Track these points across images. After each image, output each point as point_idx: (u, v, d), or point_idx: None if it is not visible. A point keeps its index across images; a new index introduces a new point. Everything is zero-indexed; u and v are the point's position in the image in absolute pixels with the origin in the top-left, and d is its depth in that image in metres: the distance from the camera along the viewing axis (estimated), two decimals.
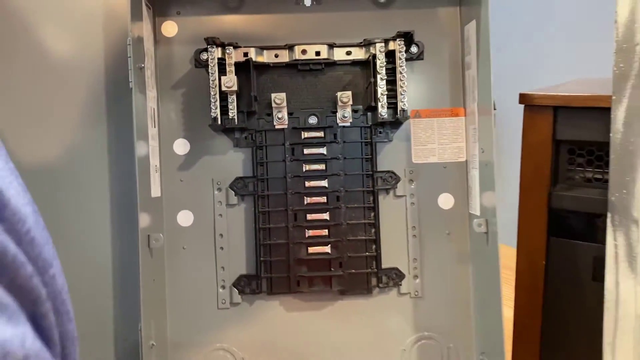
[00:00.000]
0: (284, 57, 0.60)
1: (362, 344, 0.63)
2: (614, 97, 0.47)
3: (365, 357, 0.63)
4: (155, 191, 0.57)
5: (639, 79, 0.45)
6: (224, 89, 0.56)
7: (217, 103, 0.56)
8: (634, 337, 0.44)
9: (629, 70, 0.46)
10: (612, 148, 0.47)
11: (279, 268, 0.60)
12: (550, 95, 0.57)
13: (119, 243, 0.59)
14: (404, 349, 0.63)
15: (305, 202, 0.60)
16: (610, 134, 0.47)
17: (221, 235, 0.61)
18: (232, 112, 0.57)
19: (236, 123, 0.57)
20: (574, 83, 0.67)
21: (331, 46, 0.60)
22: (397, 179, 0.62)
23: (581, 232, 0.50)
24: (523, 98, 0.59)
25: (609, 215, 0.47)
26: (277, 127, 0.59)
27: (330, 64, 0.60)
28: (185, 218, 0.60)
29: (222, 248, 0.61)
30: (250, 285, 0.61)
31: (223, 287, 0.61)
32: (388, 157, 0.62)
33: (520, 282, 0.60)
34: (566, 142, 0.57)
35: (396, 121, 0.60)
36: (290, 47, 0.59)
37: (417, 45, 0.61)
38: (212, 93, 0.56)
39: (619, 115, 0.47)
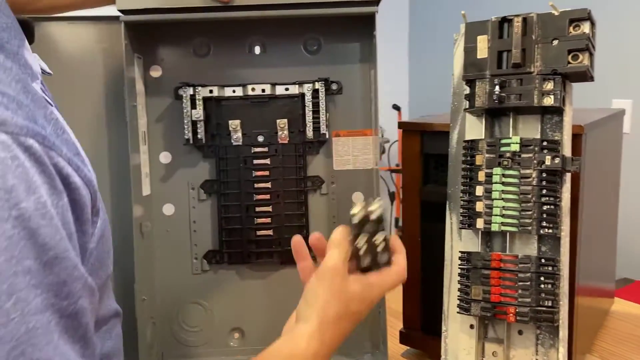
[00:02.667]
0: (239, 92, 0.84)
1: (297, 300, 0.89)
2: (451, 125, 0.73)
3: None
4: (146, 190, 0.82)
5: (464, 113, 0.70)
6: (194, 119, 0.80)
7: (190, 128, 0.81)
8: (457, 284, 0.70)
9: (459, 107, 0.72)
10: (449, 158, 0.73)
11: (235, 245, 0.86)
12: (417, 123, 0.82)
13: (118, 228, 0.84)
14: None
15: (254, 198, 0.85)
16: (449, 149, 0.73)
17: (194, 221, 0.86)
18: (200, 134, 0.81)
19: (204, 142, 0.82)
20: (436, 116, 0.92)
21: (273, 85, 0.84)
22: (322, 181, 0.87)
23: (441, 217, 0.75)
24: (400, 125, 0.84)
25: (447, 202, 0.72)
26: (234, 144, 0.84)
27: (273, 97, 0.84)
28: (168, 209, 0.86)
29: (195, 231, 0.87)
30: (215, 257, 0.87)
31: (196, 258, 0.87)
32: (316, 165, 0.87)
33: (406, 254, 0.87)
34: (431, 155, 0.83)
35: (320, 140, 0.85)
36: (244, 86, 0.83)
37: (336, 83, 0.85)
38: (185, 121, 0.81)
39: (453, 137, 0.72)
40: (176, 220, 0.86)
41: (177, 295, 0.88)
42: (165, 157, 0.85)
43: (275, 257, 0.87)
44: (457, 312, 0.69)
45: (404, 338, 0.89)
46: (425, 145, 0.83)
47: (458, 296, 0.68)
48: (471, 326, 0.70)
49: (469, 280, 0.67)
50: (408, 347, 0.90)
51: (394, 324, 0.95)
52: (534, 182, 0.63)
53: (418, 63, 3.18)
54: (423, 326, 0.88)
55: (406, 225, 0.87)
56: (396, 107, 2.97)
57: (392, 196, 2.95)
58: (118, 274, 0.80)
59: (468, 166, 0.68)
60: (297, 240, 0.57)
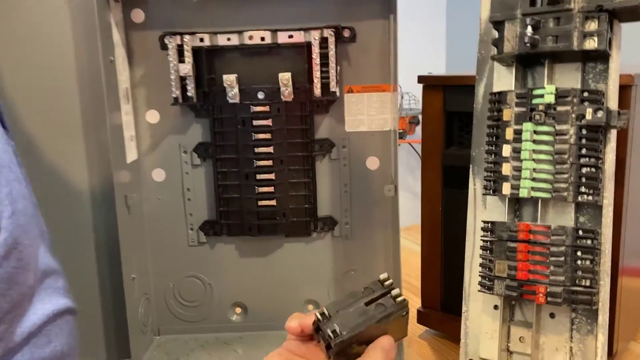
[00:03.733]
0: (235, 40, 0.76)
1: (303, 276, 0.84)
2: (477, 77, 0.64)
3: (305, 285, 0.84)
4: (132, 156, 0.77)
5: (492, 63, 0.62)
6: (181, 74, 0.73)
7: (178, 85, 0.74)
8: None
9: (486, 56, 0.63)
10: (475, 115, 0.64)
11: (234, 216, 0.80)
12: (439, 77, 0.74)
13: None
14: (336, 277, 0.83)
15: (255, 165, 0.79)
16: (474, 105, 0.64)
17: (188, 189, 0.81)
18: (191, 92, 0.75)
19: (195, 100, 0.76)
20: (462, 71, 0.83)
21: (275, 31, 0.76)
22: (332, 145, 0.80)
23: (466, 183, 0.68)
24: (420, 79, 0.76)
25: (471, 166, 0.64)
26: (230, 102, 0.77)
27: (275, 47, 0.77)
28: (158, 175, 0.80)
29: (189, 199, 0.81)
30: (213, 228, 0.81)
31: (191, 229, 0.82)
32: (325, 127, 0.80)
33: (425, 225, 0.79)
34: (455, 114, 0.74)
35: (330, 98, 0.77)
36: (240, 33, 0.76)
37: (349, 30, 0.77)
38: (172, 77, 0.74)
39: (479, 91, 0.64)
40: (168, 187, 0.81)
41: (173, 268, 0.83)
42: (152, 117, 0.79)
43: (279, 230, 0.80)
44: (479, 291, 0.61)
45: (422, 318, 0.83)
46: (447, 102, 0.75)
47: (480, 272, 0.61)
48: (495, 307, 0.63)
49: (492, 254, 0.59)
50: (426, 328, 0.83)
51: (412, 302, 0.89)
52: (572, 140, 0.55)
53: (456, 30, 3.03)
54: (443, 306, 0.81)
55: (426, 192, 0.79)
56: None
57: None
58: (105, 250, 0.75)
59: (494, 122, 0.60)
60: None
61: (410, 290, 0.88)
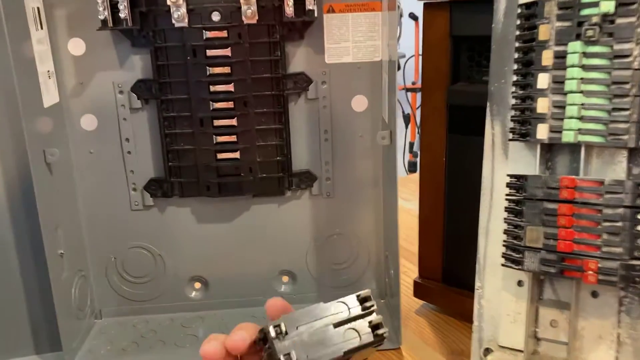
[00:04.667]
0: None
1: (276, 244, 0.70)
2: None
3: (279, 254, 0.71)
4: (51, 99, 0.61)
5: None
6: None
7: (106, 4, 0.58)
8: (503, 223, 0.51)
9: None
10: (493, 39, 0.50)
11: (188, 173, 0.66)
12: None
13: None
14: (316, 244, 0.70)
15: (212, 108, 0.63)
16: (492, 25, 0.50)
17: (127, 139, 0.65)
18: (124, 13, 0.59)
19: (130, 24, 0.59)
20: None
21: None
22: (309, 81, 0.65)
23: (477, 127, 0.55)
24: None
25: (488, 105, 0.51)
26: (176, 25, 0.61)
27: None
28: (89, 122, 0.65)
29: (129, 152, 0.66)
30: (161, 188, 0.67)
31: (134, 189, 0.67)
32: (299, 58, 0.65)
33: (424, 179, 0.66)
34: (464, 39, 0.60)
35: (306, 19, 0.62)
36: None
37: None
38: None
39: (501, 6, 0.49)
40: (101, 138, 0.65)
41: (114, 239, 0.69)
42: (76, 47, 0.63)
43: (246, 188, 0.66)
44: (503, 265, 0.49)
45: (419, 290, 0.71)
46: (455, 24, 0.61)
47: (504, 242, 0.49)
48: (519, 283, 0.51)
49: (521, 218, 0.47)
50: (424, 302, 0.72)
51: (406, 270, 0.77)
52: (636, 64, 0.41)
53: None
54: (445, 276, 0.69)
55: (425, 140, 0.66)
56: (413, 17, 2.66)
57: (406, 119, 2.74)
58: (25, 223, 0.60)
59: (525, 45, 0.46)
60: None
61: (403, 255, 0.76)
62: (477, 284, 0.55)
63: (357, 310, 0.37)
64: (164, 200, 0.68)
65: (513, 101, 0.47)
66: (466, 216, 0.64)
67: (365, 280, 0.72)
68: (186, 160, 0.66)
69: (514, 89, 0.47)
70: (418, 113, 2.63)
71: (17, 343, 0.63)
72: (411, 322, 0.68)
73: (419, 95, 2.58)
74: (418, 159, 0.67)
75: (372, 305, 0.37)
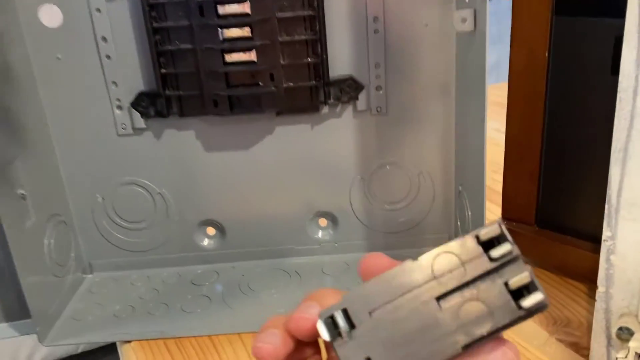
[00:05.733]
0: None
1: (309, 177, 0.55)
2: None
3: (313, 191, 0.55)
4: None
5: None
6: None
7: None
8: None
9: None
10: None
11: (188, 84, 0.50)
12: None
13: None
14: (362, 177, 0.54)
15: None
16: None
17: (104, 38, 0.49)
18: None
19: None
20: None
21: None
22: None
23: (600, 5, 0.37)
24: None
25: None
26: None
27: None
28: (50, 16, 0.49)
29: (108, 57, 0.50)
30: (154, 105, 0.51)
31: (119, 107, 0.52)
32: None
33: (515, 86, 0.49)
34: None
35: None
36: None
37: None
38: None
39: None
40: (70, 38, 0.50)
41: (98, 173, 0.54)
42: None
43: (266, 103, 0.50)
44: None
45: None
46: None
47: None
48: None
49: None
50: None
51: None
52: None
53: None
54: (540, 218, 0.52)
55: (518, 28, 0.47)
56: None
57: None
58: None
59: None
60: None
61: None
62: (606, 233, 0.38)
63: (479, 264, 0.21)
64: (160, 122, 0.53)
65: None
66: (578, 135, 0.47)
67: (428, 224, 0.56)
68: (184, 66, 0.49)
69: None
70: None
71: None
72: None
73: None
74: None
75: (510, 252, 0.21)
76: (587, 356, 0.43)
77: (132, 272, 0.58)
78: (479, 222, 0.46)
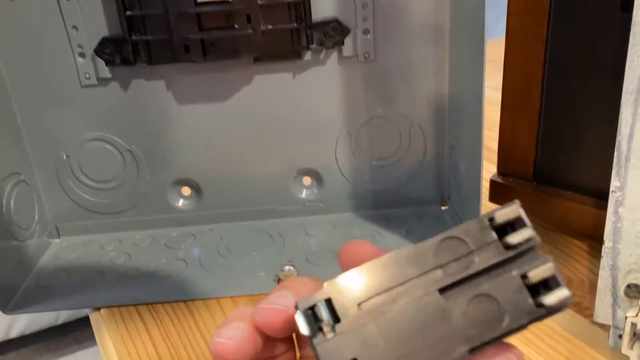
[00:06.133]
0: None
1: (291, 130, 0.51)
2: None
3: (296, 145, 0.52)
4: None
5: None
6: None
7: None
8: None
9: None
10: None
11: (156, 27, 0.46)
12: None
13: None
14: (349, 131, 0.51)
15: None
16: None
17: None
18: None
19: None
20: None
21: None
22: None
23: None
24: None
25: None
26: None
27: None
28: None
29: None
30: (120, 52, 0.47)
31: (82, 55, 0.48)
32: None
33: (514, 30, 0.45)
34: None
35: None
36: None
37: None
38: None
39: None
40: None
41: (61, 127, 0.50)
42: None
43: (243, 48, 0.46)
44: None
45: (498, 192, 0.52)
46: None
47: None
48: None
49: None
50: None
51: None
52: None
53: None
54: (539, 173, 0.50)
55: None
56: None
57: None
58: None
59: None
60: None
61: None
62: (614, 183, 0.36)
63: (492, 253, 0.18)
64: (126, 70, 0.48)
65: None
66: (581, 82, 0.44)
67: (419, 181, 0.53)
68: (152, 7, 0.45)
69: None
70: None
71: None
72: None
73: None
74: None
75: (531, 239, 0.18)
76: (589, 316, 0.41)
77: (102, 235, 0.54)
78: (475, 177, 0.43)
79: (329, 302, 0.18)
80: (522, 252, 0.18)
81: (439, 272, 0.18)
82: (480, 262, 0.18)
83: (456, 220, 0.51)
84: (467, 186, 0.46)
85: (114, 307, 0.46)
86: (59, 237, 0.54)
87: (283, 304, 0.19)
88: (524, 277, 0.18)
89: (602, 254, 0.36)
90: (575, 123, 0.47)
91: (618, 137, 0.35)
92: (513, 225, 0.18)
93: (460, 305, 0.18)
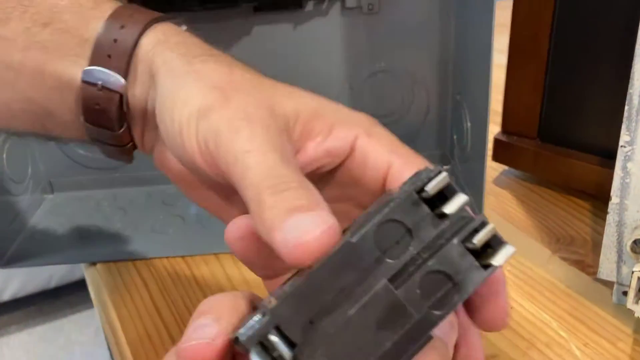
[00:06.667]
0: None
1: (291, 85, 0.50)
2: None
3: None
4: None
5: None
6: None
7: None
8: None
9: None
10: None
11: None
12: None
13: None
14: (351, 86, 0.50)
15: None
16: None
17: None
18: None
19: None
20: None
21: None
22: None
23: None
24: None
25: None
26: None
27: None
28: None
29: None
30: None
31: None
32: None
33: None
34: None
35: None
36: None
37: None
38: None
39: None
40: None
41: None
42: None
43: None
44: None
45: (501, 151, 0.51)
46: None
47: None
48: None
49: None
50: (507, 168, 0.53)
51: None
52: None
53: None
54: (543, 130, 0.49)
55: None
56: None
57: None
58: None
59: None
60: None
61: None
62: (624, 138, 0.35)
63: (429, 227, 0.18)
64: None
65: None
66: (589, 38, 0.43)
67: (421, 140, 0.53)
68: None
69: None
70: None
71: None
72: (490, 198, 0.50)
73: None
74: None
75: (465, 204, 0.18)
76: (592, 274, 0.41)
77: (97, 191, 0.54)
78: (481, 133, 0.43)
79: (278, 329, 0.16)
80: (456, 219, 0.18)
81: (384, 262, 0.17)
82: (419, 240, 0.18)
83: (458, 180, 0.50)
84: (472, 144, 0.45)
85: (111, 262, 0.45)
86: (52, 192, 0.54)
87: (205, 337, 0.17)
88: (463, 242, 0.18)
89: (609, 210, 0.36)
90: (582, 80, 0.46)
91: (630, 91, 0.34)
92: (443, 193, 0.18)
93: (413, 289, 0.17)
